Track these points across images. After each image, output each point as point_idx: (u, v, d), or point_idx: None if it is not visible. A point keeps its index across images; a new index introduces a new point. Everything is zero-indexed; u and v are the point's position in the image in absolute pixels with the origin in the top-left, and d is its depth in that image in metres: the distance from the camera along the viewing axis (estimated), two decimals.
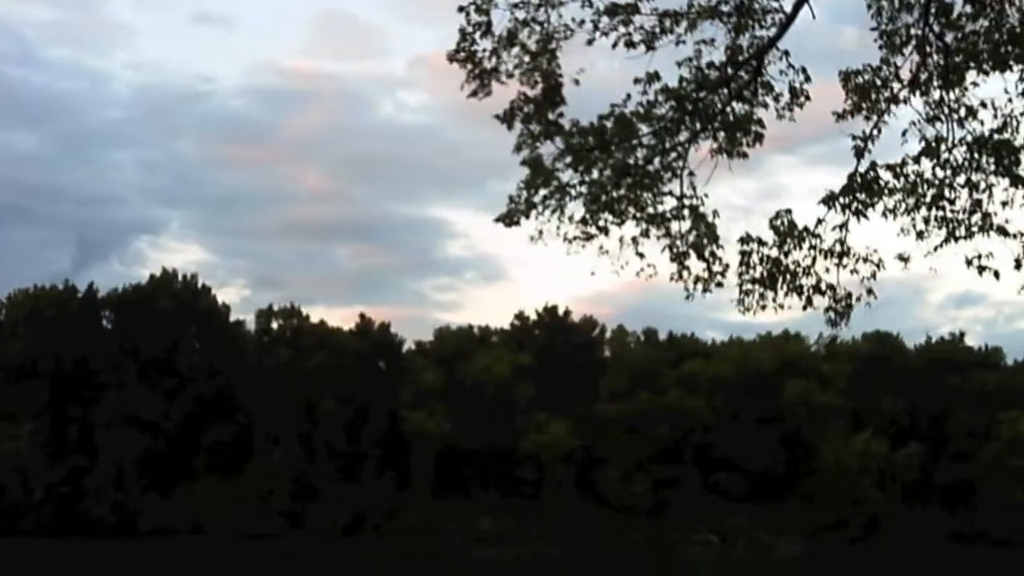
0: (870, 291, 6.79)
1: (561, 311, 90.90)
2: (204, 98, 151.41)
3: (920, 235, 6.89)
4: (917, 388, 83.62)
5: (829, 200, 6.77)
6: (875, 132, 6.79)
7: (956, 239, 6.80)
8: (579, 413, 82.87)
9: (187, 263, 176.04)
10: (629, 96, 6.91)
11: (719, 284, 7.29)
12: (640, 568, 68.09)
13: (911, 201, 6.80)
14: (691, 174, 7.13)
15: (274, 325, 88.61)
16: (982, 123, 6.73)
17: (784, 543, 77.33)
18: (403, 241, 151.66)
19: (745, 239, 7.13)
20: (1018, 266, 6.50)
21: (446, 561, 66.44)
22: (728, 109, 6.90)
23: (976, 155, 6.71)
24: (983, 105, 6.74)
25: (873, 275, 6.81)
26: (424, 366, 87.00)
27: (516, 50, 6.99)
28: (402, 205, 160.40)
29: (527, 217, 7.36)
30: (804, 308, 6.99)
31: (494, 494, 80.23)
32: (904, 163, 6.84)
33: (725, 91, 6.82)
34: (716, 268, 7.33)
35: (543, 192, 7.29)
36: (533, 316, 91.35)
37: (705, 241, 7.33)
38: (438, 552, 68.31)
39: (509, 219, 7.41)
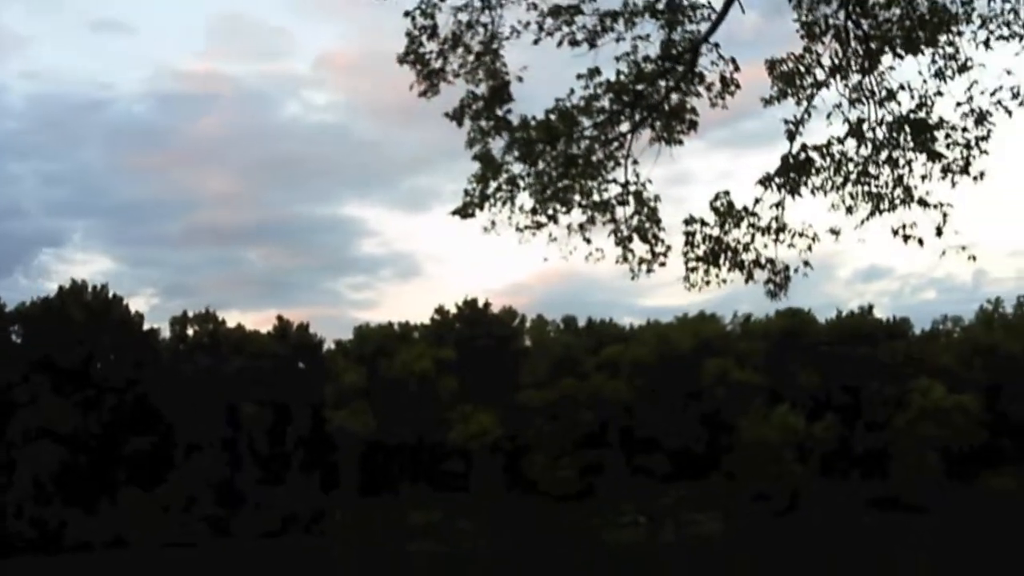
0: (807, 263, 7.30)
1: (480, 304, 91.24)
2: (104, 105, 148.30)
3: (849, 210, 7.40)
4: (830, 361, 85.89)
5: (765, 181, 7.24)
6: (805, 116, 7.25)
7: (881, 212, 7.32)
8: (503, 403, 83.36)
9: (93, 274, 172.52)
10: (573, 91, 7.29)
11: (662, 264, 7.71)
12: (571, 553, 68.90)
13: (839, 179, 7.30)
14: (634, 162, 7.53)
15: (190, 332, 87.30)
16: (899, 104, 7.25)
17: (709, 520, 78.99)
18: (316, 241, 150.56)
19: (689, 220, 7.57)
20: (939, 233, 7.04)
21: (377, 558, 66.40)
22: (665, 100, 7.30)
23: (895, 134, 7.21)
24: (900, 87, 7.25)
25: (809, 247, 7.33)
26: (346, 365, 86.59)
27: (461, 51, 7.28)
28: (313, 205, 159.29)
29: (481, 209, 7.67)
30: (746, 282, 7.49)
31: (423, 488, 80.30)
32: (830, 144, 7.33)
33: (662, 83, 7.21)
34: (659, 249, 7.74)
35: (494, 184, 7.60)
36: (453, 310, 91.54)
37: (648, 224, 7.73)
38: (369, 549, 68.19)
39: (465, 212, 7.70)
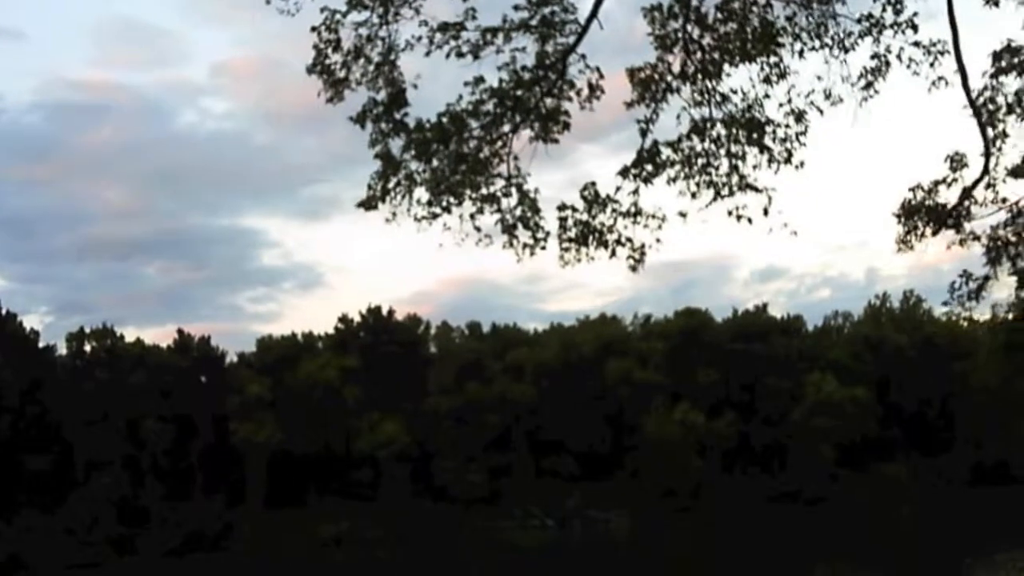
0: (658, 240, 8.48)
1: (384, 311, 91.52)
2: None
3: (693, 195, 8.54)
4: (727, 359, 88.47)
5: (624, 172, 8.33)
6: (655, 116, 8.34)
7: (721, 197, 8.51)
8: (410, 410, 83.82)
9: None
10: (461, 96, 8.21)
11: (543, 248, 8.73)
12: (480, 557, 69.66)
13: (686, 170, 8.44)
14: (515, 159, 8.49)
15: (87, 348, 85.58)
16: (736, 105, 8.42)
17: (616, 518, 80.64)
18: (215, 253, 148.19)
19: (561, 207, 8.61)
20: (765, 213, 8.23)
21: (286, 570, 66.12)
22: (541, 104, 8.26)
23: (732, 131, 8.36)
24: (733, 91, 8.46)
25: (659, 227, 8.48)
26: (249, 377, 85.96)
27: (363, 62, 8.12)
28: (211, 216, 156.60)
29: (383, 202, 8.50)
30: (610, 258, 8.52)
31: (331, 499, 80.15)
32: (680, 140, 8.43)
33: (537, 89, 8.17)
34: (539, 235, 8.74)
35: (394, 180, 8.45)
36: (356, 319, 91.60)
37: (529, 213, 8.70)
38: (278, 562, 67.85)
39: (368, 204, 8.55)
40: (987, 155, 8.71)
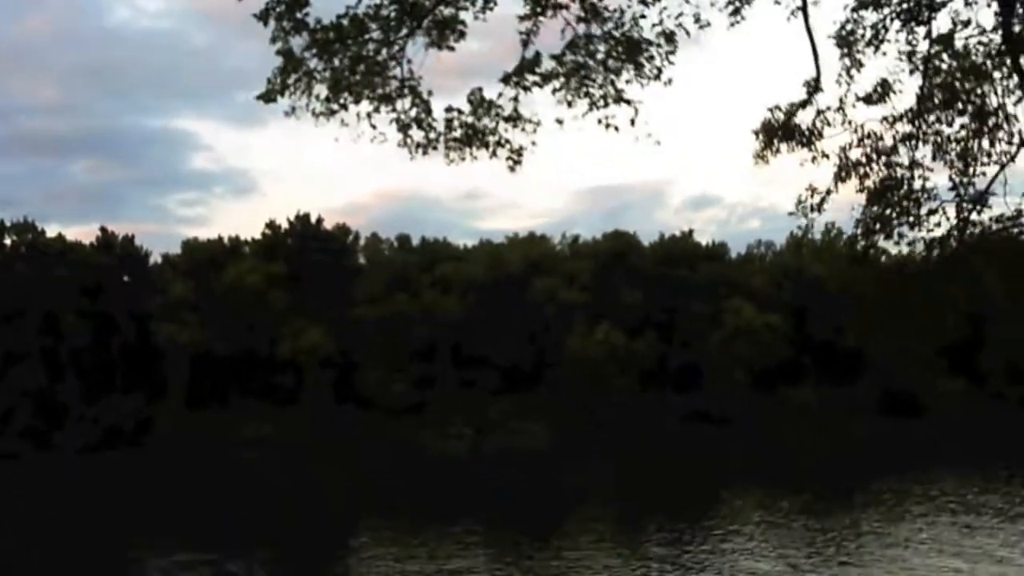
0: (534, 143, 9.05)
1: (313, 219, 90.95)
2: None
3: (569, 104, 9.03)
4: (651, 282, 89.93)
5: (506, 79, 8.79)
6: (536, 28, 8.76)
7: (596, 108, 9.00)
8: (336, 318, 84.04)
9: None
10: (360, 0, 8.54)
11: (434, 148, 9.22)
12: (402, 464, 70.94)
13: (565, 81, 8.92)
14: (409, 62, 8.92)
15: (8, 241, 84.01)
16: (614, 23, 8.84)
17: (535, 432, 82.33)
18: (145, 154, 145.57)
19: (448, 109, 9.08)
20: (632, 124, 8.76)
21: (204, 469, 66.63)
22: (437, 11, 8.64)
23: (611, 46, 8.81)
24: (614, 10, 8.88)
25: (535, 131, 9.02)
26: (174, 278, 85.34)
27: None
28: (143, 116, 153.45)
29: (282, 95, 8.86)
30: (490, 158, 9.04)
31: (252, 402, 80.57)
32: (563, 53, 8.87)
33: None
34: (431, 136, 9.20)
35: (295, 76, 8.79)
36: (284, 225, 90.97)
37: (423, 115, 9.15)
38: (196, 461, 68.33)
39: (267, 97, 8.89)
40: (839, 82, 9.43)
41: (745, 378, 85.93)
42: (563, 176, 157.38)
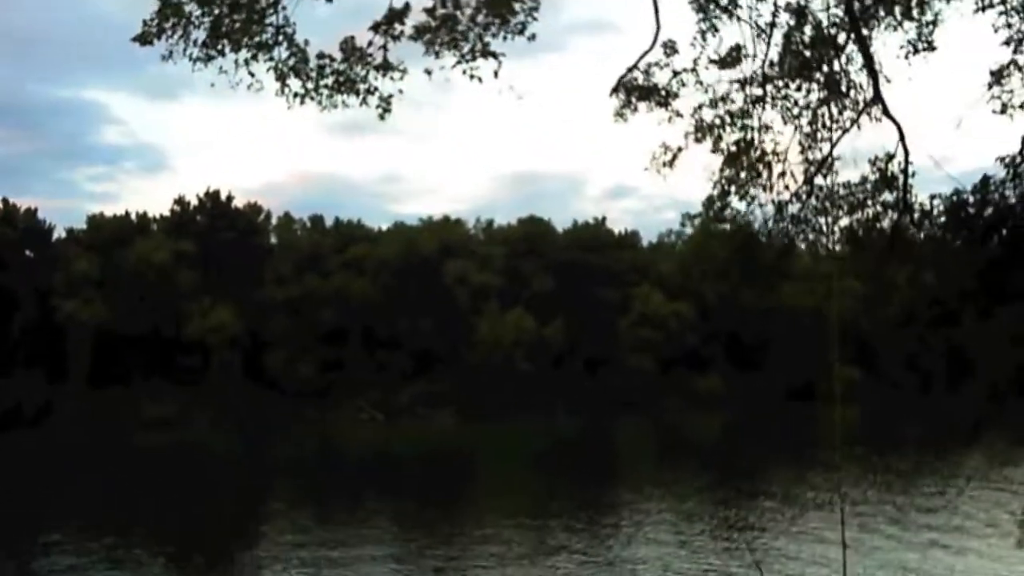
0: (400, 91, 9.24)
1: (223, 197, 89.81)
2: None
3: (437, 55, 9.27)
4: (563, 268, 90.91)
5: (375, 27, 9.01)
6: None
7: (464, 60, 9.20)
8: (245, 298, 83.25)
9: None
10: None
11: (311, 98, 9.43)
12: (307, 446, 70.57)
13: (436, 34, 9.16)
14: (284, 8, 9.11)
15: None
16: None
17: (443, 415, 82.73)
18: (51, 126, 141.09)
19: (320, 55, 9.31)
20: (495, 75, 9.08)
21: (107, 450, 65.44)
22: None
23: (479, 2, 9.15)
24: None
25: (402, 78, 9.26)
26: (78, 253, 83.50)
27: None
28: (49, 85, 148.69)
29: (159, 39, 8.94)
30: (360, 105, 9.33)
31: (157, 382, 79.41)
32: (435, 7, 9.16)
33: None
34: (309, 85, 9.41)
35: (172, 20, 8.90)
36: (194, 202, 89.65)
37: (300, 65, 9.35)
38: (98, 442, 67.06)
39: (143, 39, 8.97)
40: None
41: (652, 364, 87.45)
42: (484, 162, 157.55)
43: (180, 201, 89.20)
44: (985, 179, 9.57)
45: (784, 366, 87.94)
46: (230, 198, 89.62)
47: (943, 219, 9.63)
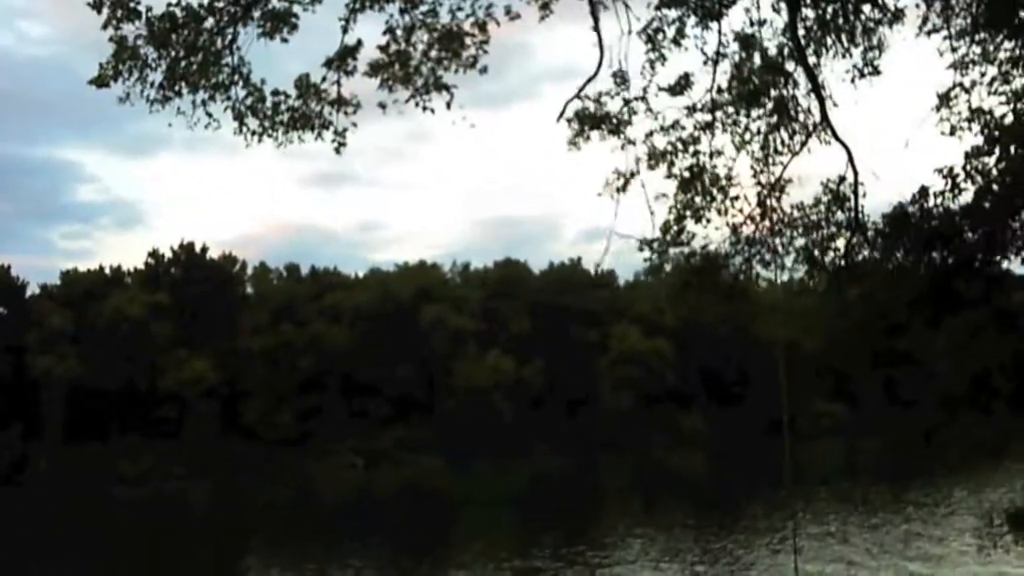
0: (354, 124, 9.37)
1: (198, 248, 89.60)
2: None
3: (391, 89, 9.41)
4: (540, 308, 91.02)
5: (328, 64, 9.15)
6: (354, 16, 9.19)
7: (418, 94, 9.32)
8: (221, 348, 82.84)
9: None
10: None
11: (269, 135, 9.53)
12: (287, 494, 69.95)
13: (389, 69, 9.32)
14: (238, 48, 9.24)
15: None
16: (436, 15, 9.30)
17: (424, 460, 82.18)
18: (27, 185, 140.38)
19: (275, 92, 9.42)
20: (448, 107, 9.22)
21: (83, 506, 64.64)
22: (270, 3, 9.01)
23: (432, 37, 9.32)
24: (433, 1, 9.36)
25: (355, 112, 9.38)
26: (52, 309, 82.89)
27: None
28: (24, 146, 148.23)
29: (115, 81, 9.04)
30: (315, 139, 9.46)
31: (133, 436, 78.62)
32: (388, 44, 9.33)
33: None
34: (266, 124, 9.52)
35: (128, 64, 9.01)
36: (168, 254, 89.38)
37: (258, 104, 9.47)
38: (74, 497, 66.24)
39: (99, 82, 9.06)
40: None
41: (633, 403, 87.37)
42: (461, 209, 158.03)
43: (154, 254, 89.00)
44: (923, 190, 9.77)
45: (763, 401, 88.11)
46: (204, 249, 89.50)
47: (887, 232, 9.81)
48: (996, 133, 9.33)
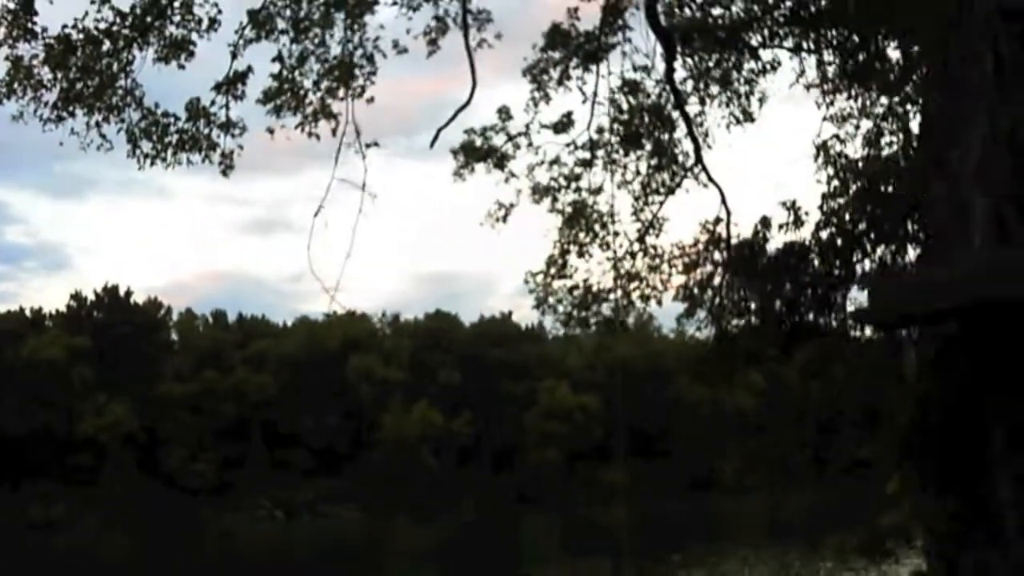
0: (240, 146, 9.60)
1: (122, 292, 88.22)
2: None
3: (278, 114, 9.68)
4: (469, 360, 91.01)
5: (217, 88, 9.37)
6: (245, 43, 9.48)
7: (306, 120, 9.60)
8: (142, 394, 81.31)
9: None
10: (87, 13, 9.05)
11: (162, 159, 9.75)
12: (204, 546, 68.51)
13: (281, 96, 9.62)
14: (132, 72, 9.46)
15: None
16: (327, 47, 9.64)
17: (346, 512, 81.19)
18: None
19: (165, 114, 9.62)
20: (333, 134, 9.53)
21: None
22: (159, 24, 9.25)
23: (323, 67, 9.63)
24: (320, 34, 9.66)
25: (241, 134, 9.69)
26: None
27: None
28: None
29: (8, 99, 9.18)
30: (203, 161, 9.67)
31: (47, 482, 76.54)
32: (281, 72, 9.61)
33: (166, 15, 9.15)
34: (159, 147, 9.71)
35: (24, 82, 9.16)
36: (91, 297, 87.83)
37: (152, 128, 9.66)
38: None
39: None
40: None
41: (559, 458, 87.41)
42: (397, 263, 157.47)
43: (77, 296, 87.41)
44: (765, 220, 10.20)
45: (686, 456, 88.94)
46: (128, 293, 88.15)
47: (740, 266, 10.20)
48: (850, 175, 9.81)
